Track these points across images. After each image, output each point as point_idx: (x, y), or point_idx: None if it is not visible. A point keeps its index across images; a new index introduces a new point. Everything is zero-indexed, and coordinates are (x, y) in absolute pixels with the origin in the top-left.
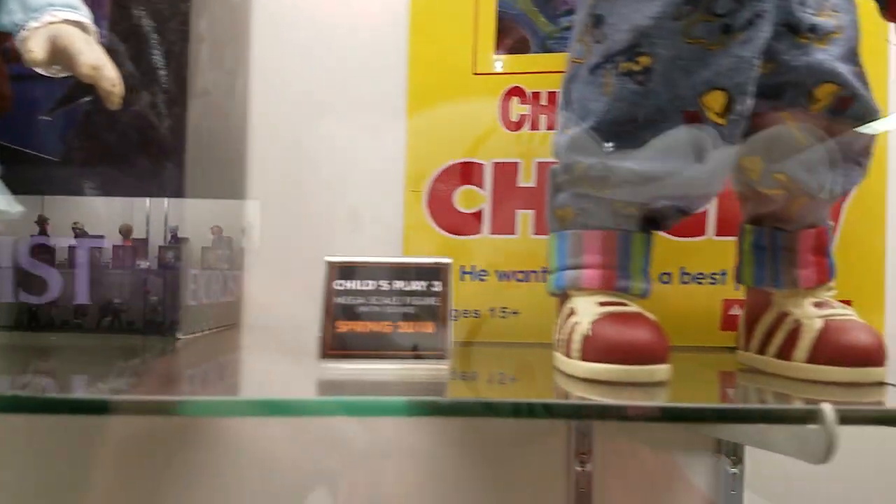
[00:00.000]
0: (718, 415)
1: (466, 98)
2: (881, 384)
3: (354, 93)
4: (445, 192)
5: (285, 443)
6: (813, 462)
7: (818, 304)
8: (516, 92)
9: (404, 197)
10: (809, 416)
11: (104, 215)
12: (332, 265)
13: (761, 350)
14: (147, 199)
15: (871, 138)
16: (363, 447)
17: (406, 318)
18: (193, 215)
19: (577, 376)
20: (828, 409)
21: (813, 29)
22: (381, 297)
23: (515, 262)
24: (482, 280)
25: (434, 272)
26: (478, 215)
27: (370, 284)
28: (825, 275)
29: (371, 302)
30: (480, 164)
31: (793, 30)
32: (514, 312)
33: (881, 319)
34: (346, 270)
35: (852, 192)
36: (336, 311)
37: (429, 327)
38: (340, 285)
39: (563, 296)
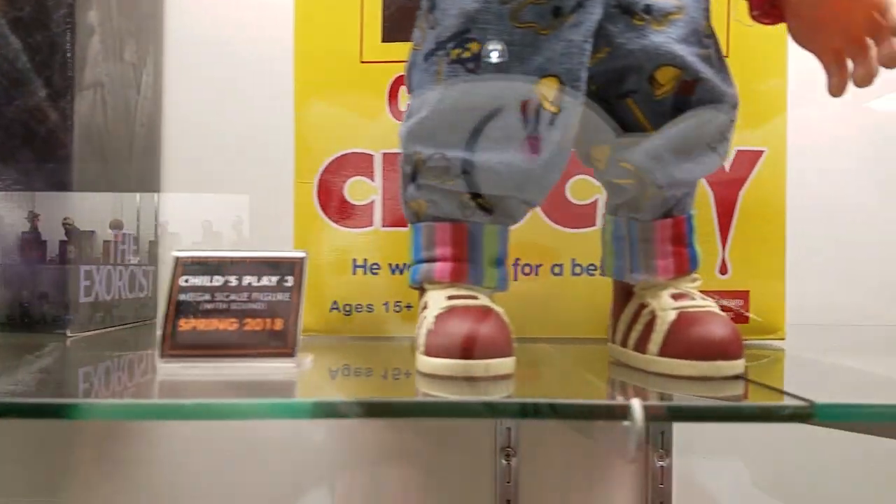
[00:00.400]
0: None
1: (354, 87)
2: (738, 378)
3: (245, 84)
4: (336, 184)
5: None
6: (624, 458)
7: (676, 296)
8: (403, 81)
9: (294, 189)
10: (620, 412)
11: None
12: (178, 260)
13: (623, 342)
14: (48, 194)
15: (725, 123)
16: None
17: (254, 314)
18: (90, 209)
19: (424, 371)
20: (636, 405)
21: (649, 10)
22: (230, 294)
23: (408, 255)
24: (374, 274)
25: (287, 267)
26: (369, 207)
27: (218, 280)
28: (685, 266)
29: (217, 298)
30: (370, 155)
31: (627, 11)
32: (408, 306)
33: (781, 308)
34: (194, 266)
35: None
36: (180, 308)
37: (278, 324)
38: (187, 281)
39: (420, 289)
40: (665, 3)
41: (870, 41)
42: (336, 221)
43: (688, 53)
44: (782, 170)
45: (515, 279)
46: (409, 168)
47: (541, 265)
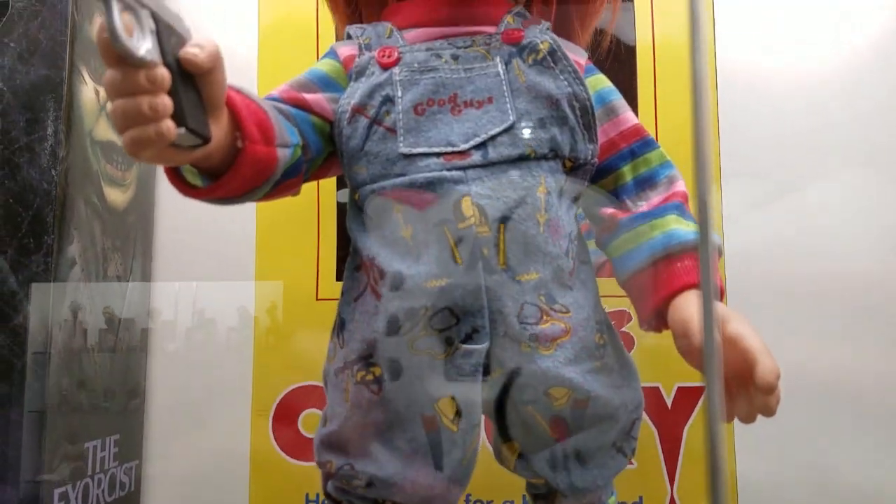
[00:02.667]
0: None
1: (310, 323)
2: None
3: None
4: (290, 416)
5: None
6: None
7: None
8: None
9: (251, 421)
10: None
11: None
12: None
13: None
14: None
15: (628, 424)
16: None
17: None
18: None
19: None
20: None
21: (535, 338)
22: None
23: None
24: None
25: None
26: None
27: None
28: None
29: None
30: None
31: (515, 339)
32: None
33: None
34: None
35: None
36: None
37: None
38: None
39: None
40: (552, 329)
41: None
42: (290, 455)
43: (577, 374)
44: None
45: None
46: (323, 474)
47: None
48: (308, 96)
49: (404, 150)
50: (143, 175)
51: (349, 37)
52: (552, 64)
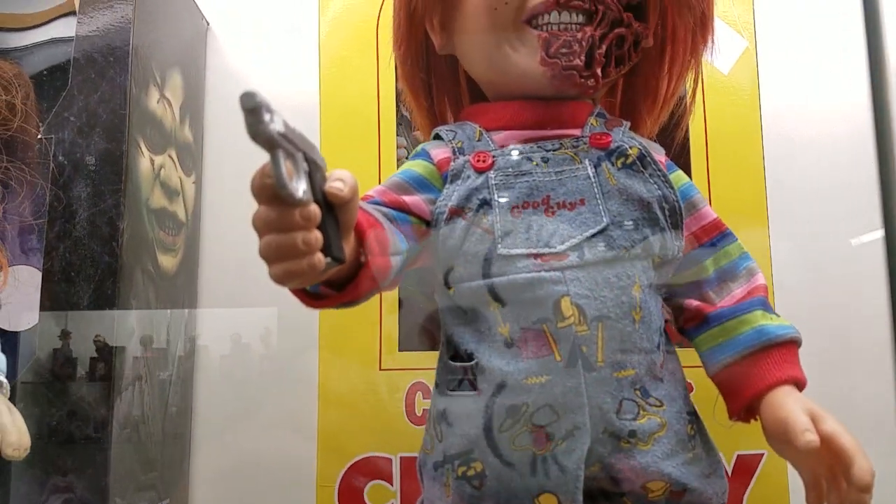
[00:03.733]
0: None
1: (373, 393)
2: None
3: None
4: (356, 488)
5: None
6: None
7: None
8: (420, 387)
9: (316, 493)
10: None
11: None
12: None
13: None
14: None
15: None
16: None
17: None
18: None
19: None
20: None
21: (633, 434)
22: None
23: None
24: None
25: None
26: None
27: None
28: None
29: None
30: (388, 459)
31: (615, 436)
32: None
33: None
34: None
35: None
36: None
37: None
38: None
39: None
40: (649, 424)
41: None
42: None
43: (674, 467)
44: (783, 470)
45: None
46: None
47: None
48: (407, 199)
49: (502, 251)
50: (189, 238)
51: (437, 137)
52: (642, 168)
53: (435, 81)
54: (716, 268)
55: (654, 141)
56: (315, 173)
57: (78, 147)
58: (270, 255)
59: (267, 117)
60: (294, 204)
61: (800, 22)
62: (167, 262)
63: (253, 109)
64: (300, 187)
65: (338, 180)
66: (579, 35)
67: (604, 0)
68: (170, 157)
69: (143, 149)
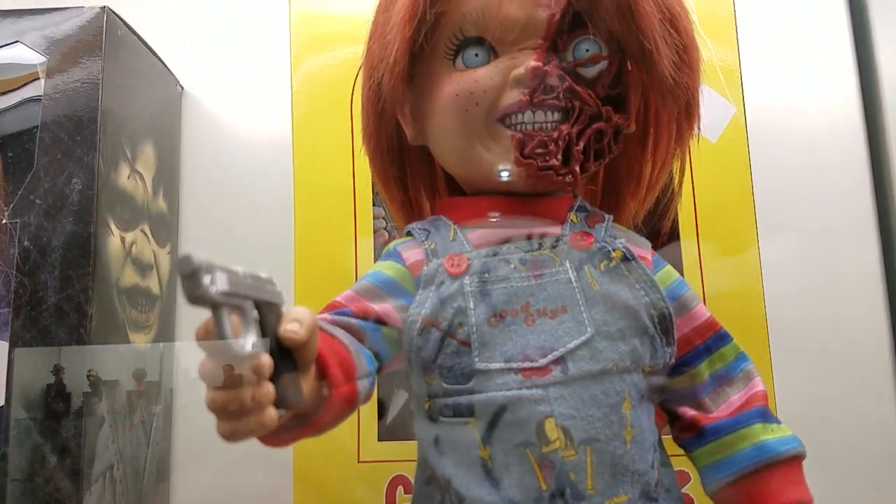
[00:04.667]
0: None
1: (351, 487)
2: None
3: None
4: None
5: None
6: None
7: None
8: (400, 481)
9: None
10: None
11: None
12: None
13: None
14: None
15: None
16: None
17: None
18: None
19: None
20: None
21: None
22: None
23: None
24: None
25: None
26: None
27: None
28: None
29: None
30: None
31: None
32: None
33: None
34: None
35: None
36: None
37: None
38: None
39: None
40: None
41: None
42: None
43: None
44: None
45: None
46: None
47: None
48: (377, 307)
49: (480, 365)
50: (164, 310)
51: (408, 234)
52: (626, 273)
53: (410, 171)
54: (711, 372)
55: (641, 229)
56: (268, 315)
57: (44, 231)
58: (217, 412)
59: (206, 280)
60: (242, 360)
61: (785, 39)
62: (140, 340)
63: (190, 275)
64: (248, 341)
65: (293, 321)
66: (555, 134)
67: (580, 95)
68: (142, 231)
69: (113, 228)
